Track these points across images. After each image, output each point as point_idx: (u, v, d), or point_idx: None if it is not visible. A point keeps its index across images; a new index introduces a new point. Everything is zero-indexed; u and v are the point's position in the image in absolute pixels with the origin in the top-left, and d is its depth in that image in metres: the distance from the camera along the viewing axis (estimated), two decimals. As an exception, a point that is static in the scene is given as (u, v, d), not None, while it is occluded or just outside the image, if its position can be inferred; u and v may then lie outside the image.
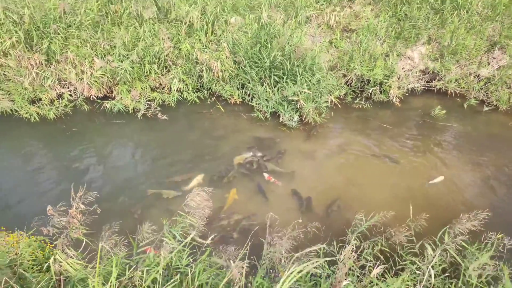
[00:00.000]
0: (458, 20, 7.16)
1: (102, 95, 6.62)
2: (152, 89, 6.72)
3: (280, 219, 3.39)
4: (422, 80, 7.00)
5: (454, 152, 5.64)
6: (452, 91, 6.80)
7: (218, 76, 6.56)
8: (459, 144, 5.81)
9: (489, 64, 6.88)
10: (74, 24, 6.64)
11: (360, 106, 6.63)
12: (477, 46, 6.95)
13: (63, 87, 6.70)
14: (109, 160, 5.48)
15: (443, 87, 6.85)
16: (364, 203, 4.44)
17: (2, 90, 6.41)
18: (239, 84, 6.70)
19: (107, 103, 6.38)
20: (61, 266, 2.75)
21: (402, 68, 7.07)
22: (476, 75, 6.85)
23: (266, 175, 5.10)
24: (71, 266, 2.71)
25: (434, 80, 6.97)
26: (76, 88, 6.66)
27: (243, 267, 2.47)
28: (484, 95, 6.70)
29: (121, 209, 4.50)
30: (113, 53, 6.45)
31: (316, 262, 2.35)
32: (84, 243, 2.99)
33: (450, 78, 6.78)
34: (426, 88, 6.98)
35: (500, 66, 6.80)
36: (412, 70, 6.99)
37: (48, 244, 3.38)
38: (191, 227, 2.98)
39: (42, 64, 6.54)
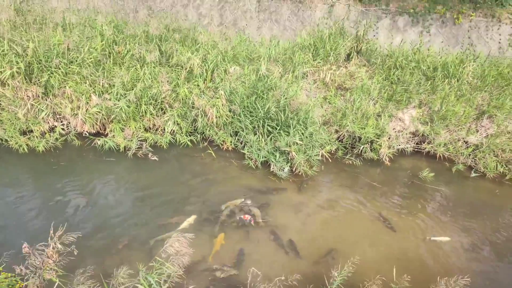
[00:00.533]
0: (449, 87, 7.45)
1: (95, 131, 6.62)
2: (145, 129, 6.75)
3: (264, 270, 3.28)
4: (412, 141, 7.13)
5: (441, 215, 5.63)
6: (441, 154, 6.91)
7: (213, 122, 6.64)
8: (446, 208, 5.81)
9: (477, 131, 7.07)
10: (76, 60, 6.78)
11: (351, 162, 6.68)
12: (466, 114, 7.18)
13: (56, 121, 6.70)
14: (94, 198, 5.36)
15: (432, 150, 6.97)
16: (348, 258, 4.34)
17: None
18: (232, 131, 6.77)
19: (99, 139, 6.36)
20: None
21: (393, 129, 7.23)
22: (464, 141, 7.01)
23: (245, 216, 5.03)
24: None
25: (424, 142, 7.11)
26: (69, 123, 6.66)
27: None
28: (472, 161, 6.82)
29: (100, 250, 4.33)
30: (111, 92, 6.54)
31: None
32: (56, 285, 2.84)
33: (439, 142, 6.92)
34: (416, 149, 7.10)
35: (488, 135, 6.98)
36: (403, 132, 7.14)
37: (19, 282, 3.21)
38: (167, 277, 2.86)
39: (39, 96, 6.59)
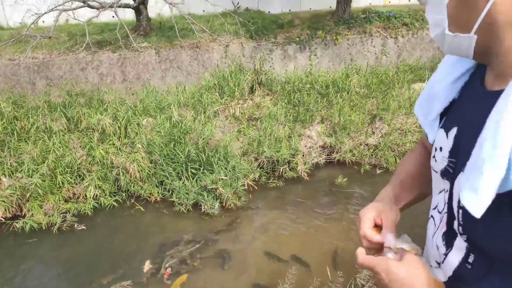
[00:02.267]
0: (342, 100, 8.44)
1: (11, 215, 6.25)
2: (65, 200, 6.54)
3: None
4: (323, 154, 7.88)
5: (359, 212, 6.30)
6: (349, 160, 7.73)
7: (136, 177, 6.69)
8: (363, 205, 6.51)
9: (373, 133, 8.06)
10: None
11: (275, 185, 7.16)
12: (361, 120, 8.16)
13: (-37, 213, 6.21)
14: (20, 283, 5.05)
15: (341, 158, 7.77)
16: (291, 267, 4.69)
17: None
18: (157, 181, 6.88)
19: (17, 222, 6.03)
20: None
21: (305, 146, 7.93)
22: (365, 144, 7.94)
23: (166, 270, 5.07)
24: None
25: (333, 153, 7.90)
26: (-21, 212, 6.22)
27: None
28: (375, 160, 7.74)
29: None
30: (22, 169, 6.29)
31: None
32: None
33: (345, 150, 7.76)
34: (328, 160, 7.85)
35: (382, 134, 8.01)
36: (313, 147, 7.87)
37: None
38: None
39: None
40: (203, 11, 11.22)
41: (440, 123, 0.99)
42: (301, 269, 5.01)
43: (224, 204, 6.47)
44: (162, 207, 6.60)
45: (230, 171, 6.82)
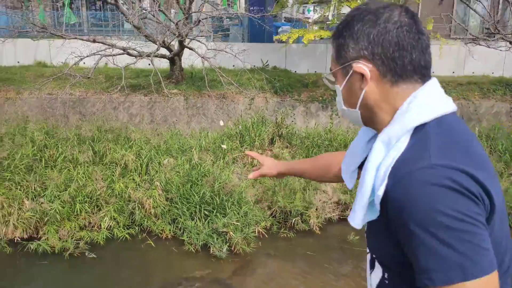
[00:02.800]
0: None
1: (27, 236, 6.43)
2: (81, 228, 6.71)
3: None
4: (337, 210, 7.88)
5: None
6: (363, 218, 7.69)
7: (150, 212, 6.84)
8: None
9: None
10: (9, 168, 6.82)
11: (286, 235, 7.15)
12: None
13: (-17, 230, 6.44)
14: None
15: (355, 215, 7.73)
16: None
17: None
18: (170, 219, 7.00)
19: (32, 244, 6.19)
20: None
21: (319, 200, 7.97)
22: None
23: None
24: None
25: (347, 210, 7.88)
26: (-1, 231, 6.43)
27: None
28: (389, 220, 7.66)
29: None
30: (44, 194, 6.58)
31: None
32: None
33: (359, 207, 7.74)
34: (341, 217, 7.82)
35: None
36: (327, 202, 7.90)
37: None
38: None
39: (-36, 207, 6.39)
40: (233, 66, 11.94)
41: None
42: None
43: (233, 249, 6.48)
44: (172, 244, 6.65)
45: (242, 216, 6.89)
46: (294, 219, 7.42)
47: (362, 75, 1.01)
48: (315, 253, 6.71)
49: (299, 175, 1.81)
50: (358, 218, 1.02)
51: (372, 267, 1.12)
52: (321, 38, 10.69)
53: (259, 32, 12.98)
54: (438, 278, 0.84)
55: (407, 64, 0.98)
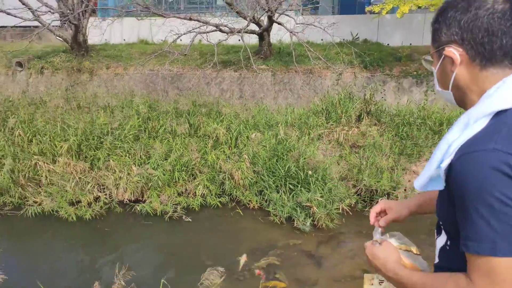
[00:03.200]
0: (455, 139, 7.99)
1: (134, 199, 7.35)
2: (178, 194, 7.44)
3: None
4: (427, 191, 7.53)
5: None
6: (456, 202, 7.26)
7: (239, 184, 7.29)
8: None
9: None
10: (120, 138, 7.77)
11: (370, 214, 7.08)
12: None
13: (100, 191, 7.48)
14: (136, 256, 5.93)
15: (447, 198, 7.33)
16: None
17: (46, 192, 7.26)
18: (257, 190, 7.39)
19: (138, 206, 7.07)
20: None
21: (408, 181, 7.68)
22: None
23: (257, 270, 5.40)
24: None
25: (439, 192, 7.50)
26: (111, 192, 7.43)
27: None
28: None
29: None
30: (149, 162, 7.40)
31: None
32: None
33: (453, 190, 7.31)
34: (432, 199, 7.47)
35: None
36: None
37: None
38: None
39: (85, 170, 7.49)
40: (321, 40, 11.74)
41: None
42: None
43: (316, 223, 6.65)
44: (259, 214, 7.06)
45: (326, 192, 6.98)
46: (380, 198, 7.29)
47: (453, 59, 1.10)
48: (400, 232, 6.56)
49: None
50: (420, 183, 1.15)
51: (439, 233, 1.23)
52: (419, 7, 9.91)
53: (350, 4, 12.49)
54: (471, 247, 0.96)
55: (496, 49, 1.03)
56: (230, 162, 7.52)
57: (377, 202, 1.66)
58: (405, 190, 7.45)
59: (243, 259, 5.17)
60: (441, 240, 1.20)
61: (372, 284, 1.54)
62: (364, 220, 7.02)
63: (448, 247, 1.17)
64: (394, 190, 7.37)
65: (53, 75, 10.91)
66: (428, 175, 1.11)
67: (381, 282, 1.53)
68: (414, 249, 1.46)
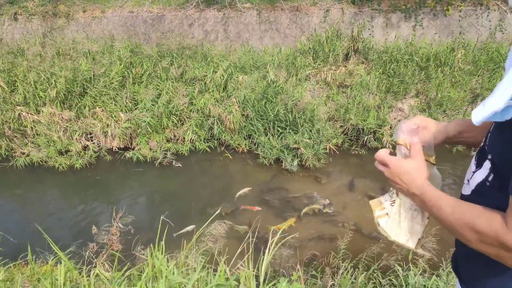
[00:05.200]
0: (442, 75, 8.00)
1: (123, 146, 7.37)
2: (167, 140, 7.47)
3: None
4: (412, 128, 7.67)
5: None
6: (440, 138, 7.44)
7: (229, 128, 7.32)
8: (449, 183, 6.37)
9: (472, 113, 7.56)
10: (105, 84, 7.59)
11: (357, 153, 7.27)
12: (461, 98, 7.71)
13: (87, 140, 7.46)
14: (129, 202, 6.10)
15: (431, 135, 7.50)
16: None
17: (33, 143, 7.22)
18: (246, 134, 7.45)
19: (127, 153, 7.11)
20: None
21: (394, 118, 7.79)
22: (461, 123, 7.51)
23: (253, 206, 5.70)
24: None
25: (424, 128, 7.64)
26: (99, 141, 7.41)
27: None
28: (469, 141, 7.33)
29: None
30: (137, 108, 7.33)
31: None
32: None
33: (437, 127, 7.46)
34: (417, 136, 7.64)
35: (482, 115, 7.47)
36: (403, 120, 7.68)
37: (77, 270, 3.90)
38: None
39: (71, 119, 7.40)
40: (308, -27, 11.16)
41: None
42: (358, 235, 5.22)
43: (303, 164, 6.81)
44: (248, 157, 7.19)
45: (314, 133, 7.08)
46: (366, 137, 7.43)
47: None
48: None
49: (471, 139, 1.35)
50: (482, 114, 0.96)
51: (479, 165, 1.11)
52: None
53: None
54: None
55: None
56: (219, 106, 7.48)
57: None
58: (390, 127, 7.58)
59: (242, 191, 5.50)
60: (481, 174, 1.09)
61: (384, 208, 1.35)
62: (351, 158, 7.22)
63: (488, 183, 1.06)
64: (380, 128, 7.49)
65: (28, 21, 10.34)
66: (494, 107, 0.92)
67: (393, 203, 1.33)
68: (432, 159, 1.29)
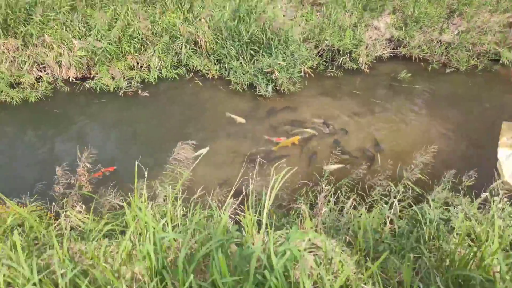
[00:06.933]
0: (420, -10, 7.57)
1: (81, 76, 6.74)
2: (130, 68, 6.88)
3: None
4: (388, 47, 7.41)
5: (420, 108, 6.13)
6: (416, 56, 7.25)
7: (201, 52, 6.78)
8: (424, 102, 6.30)
9: (449, 29, 7.34)
10: (52, 7, 6.71)
11: (332, 75, 7.00)
12: (438, 14, 7.40)
13: (40, 71, 6.75)
14: (93, 136, 5.69)
15: (407, 53, 7.29)
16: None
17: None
18: (216, 59, 6.95)
19: (87, 83, 6.52)
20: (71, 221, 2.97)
21: (370, 38, 7.45)
22: (438, 40, 7.30)
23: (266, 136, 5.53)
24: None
25: (400, 47, 7.40)
26: (53, 71, 6.72)
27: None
28: (445, 58, 7.19)
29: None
30: (91, 33, 6.58)
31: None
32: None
33: (414, 45, 7.22)
34: (392, 55, 7.41)
35: (459, 31, 7.27)
36: (379, 39, 7.38)
37: (48, 213, 3.59)
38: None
39: (18, 49, 6.60)
40: None
41: None
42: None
43: (278, 88, 6.49)
44: (219, 84, 6.77)
45: (288, 56, 6.67)
46: (342, 58, 7.12)
47: None
48: (361, 91, 6.62)
49: None
50: None
51: None
52: None
53: None
54: None
55: None
56: (191, 26, 6.82)
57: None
58: (366, 47, 7.27)
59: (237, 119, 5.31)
60: None
61: None
62: (326, 80, 6.95)
63: None
64: (356, 48, 7.17)
65: None
66: None
67: None
68: None
